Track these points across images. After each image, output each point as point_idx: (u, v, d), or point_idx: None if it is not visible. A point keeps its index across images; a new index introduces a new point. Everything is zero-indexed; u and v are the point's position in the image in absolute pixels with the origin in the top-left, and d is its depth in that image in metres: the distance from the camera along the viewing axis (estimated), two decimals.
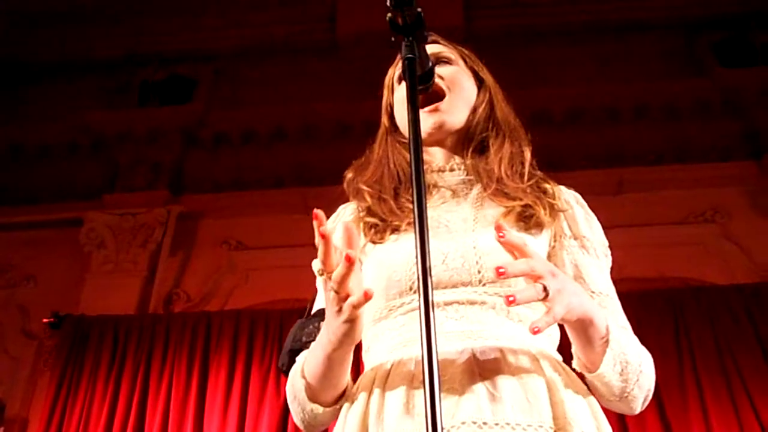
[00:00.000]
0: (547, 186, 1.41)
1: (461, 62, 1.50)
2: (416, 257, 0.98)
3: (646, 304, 3.69)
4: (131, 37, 5.09)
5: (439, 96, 1.41)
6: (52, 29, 5.05)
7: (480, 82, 1.50)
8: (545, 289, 1.09)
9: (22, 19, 5.02)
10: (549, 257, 1.36)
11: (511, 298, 1.05)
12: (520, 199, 1.35)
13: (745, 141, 4.59)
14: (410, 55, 1.17)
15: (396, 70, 1.50)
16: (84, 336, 4.01)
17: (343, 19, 5.04)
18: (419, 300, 0.95)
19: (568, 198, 1.43)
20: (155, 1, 5.01)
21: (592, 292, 1.32)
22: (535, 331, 1.05)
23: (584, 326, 1.19)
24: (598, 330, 1.19)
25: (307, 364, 1.27)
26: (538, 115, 4.55)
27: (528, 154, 1.44)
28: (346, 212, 1.46)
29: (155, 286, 4.35)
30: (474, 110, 1.46)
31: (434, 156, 1.45)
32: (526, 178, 1.39)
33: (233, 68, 5.10)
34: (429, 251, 0.98)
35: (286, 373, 1.34)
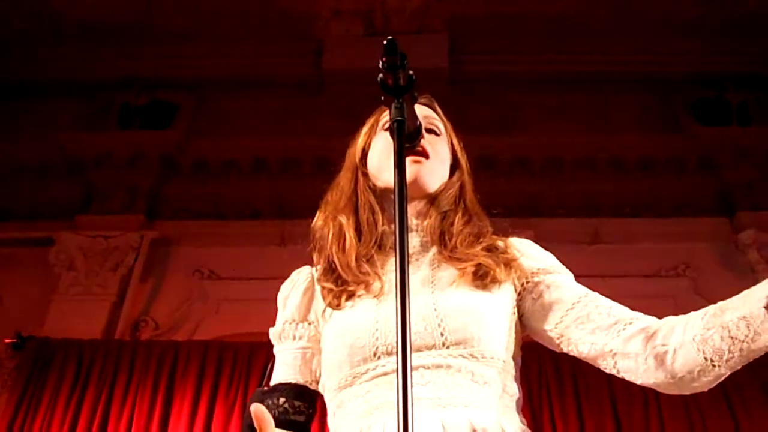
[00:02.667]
0: (499, 243, 1.42)
1: (446, 137, 1.52)
2: (396, 322, 0.96)
3: None
4: (114, 60, 5.08)
5: (422, 153, 1.42)
6: (33, 49, 5.04)
7: (456, 161, 1.52)
8: None
9: (2, 38, 5.00)
10: (519, 307, 1.37)
11: None
12: (472, 260, 1.35)
13: (718, 198, 4.67)
14: (400, 118, 1.16)
15: (383, 116, 1.50)
16: (47, 359, 3.93)
17: (328, 55, 5.09)
18: (397, 371, 0.92)
19: (518, 245, 1.45)
20: (142, 25, 5.01)
21: (577, 299, 1.33)
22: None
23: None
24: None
25: None
26: (517, 161, 4.62)
27: (489, 233, 1.45)
28: (300, 278, 1.46)
29: (123, 312, 4.28)
30: (445, 186, 1.47)
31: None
32: (479, 245, 1.41)
33: (216, 97, 5.10)
34: (409, 314, 0.96)
35: None
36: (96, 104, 5.12)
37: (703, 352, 1.14)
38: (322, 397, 1.35)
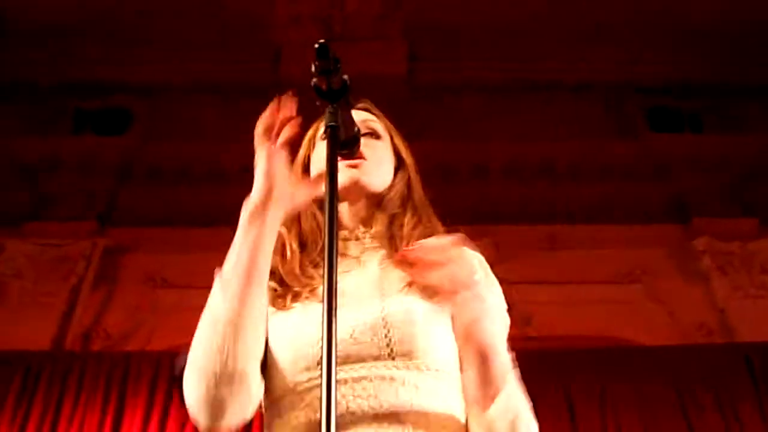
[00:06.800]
0: None
1: (387, 138, 1.49)
2: (322, 336, 0.93)
3: (572, 363, 3.71)
4: (67, 64, 4.97)
5: (359, 158, 1.39)
6: None
7: (401, 162, 1.49)
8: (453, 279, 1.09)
9: None
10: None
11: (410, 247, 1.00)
12: None
13: (672, 205, 4.72)
14: (333, 123, 1.14)
15: (322, 126, 1.45)
16: None
17: (287, 61, 5.00)
18: (321, 389, 0.89)
19: (471, 258, 1.39)
20: (97, 28, 4.90)
21: (486, 345, 1.25)
22: (399, 258, 1.04)
23: (484, 356, 1.17)
24: (501, 366, 1.18)
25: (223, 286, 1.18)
26: (475, 168, 4.63)
27: (440, 236, 1.39)
28: None
29: (73, 322, 4.19)
30: (391, 187, 1.44)
31: (342, 216, 1.41)
32: None
33: (172, 103, 5.02)
34: (336, 328, 0.94)
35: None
36: (48, 109, 4.99)
37: None
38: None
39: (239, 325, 1.14)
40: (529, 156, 4.77)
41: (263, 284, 1.19)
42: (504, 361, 1.19)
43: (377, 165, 1.42)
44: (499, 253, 4.41)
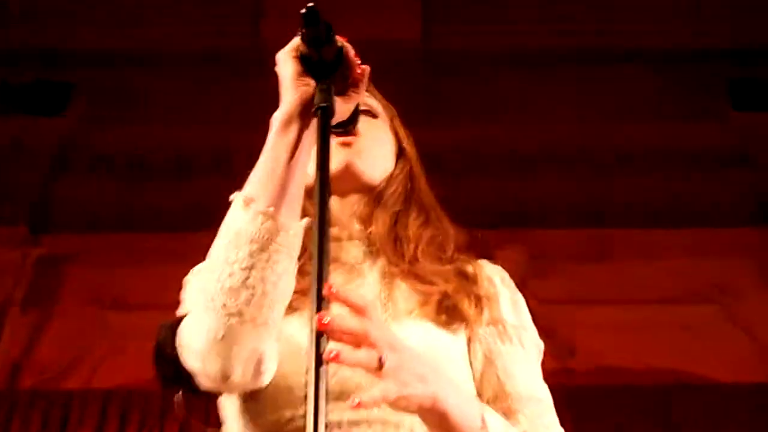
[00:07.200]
0: (468, 267, 1.42)
1: (386, 119, 1.54)
2: (309, 367, 0.95)
3: (628, 404, 3.72)
4: None
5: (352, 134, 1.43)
6: None
7: (401, 150, 1.53)
8: (381, 360, 1.05)
9: None
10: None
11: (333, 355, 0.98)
12: (438, 285, 1.35)
13: (759, 203, 4.70)
14: (324, 104, 1.15)
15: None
16: None
17: (269, 22, 4.97)
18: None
19: (491, 275, 1.44)
20: None
21: (507, 394, 1.31)
22: (355, 406, 1.01)
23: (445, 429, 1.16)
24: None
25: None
26: (504, 156, 4.63)
27: (452, 242, 1.45)
28: None
29: None
30: (390, 178, 1.48)
31: (333, 211, 1.41)
32: (446, 261, 1.41)
33: (123, 75, 5.01)
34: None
35: (165, 358, 1.26)
36: None
37: None
38: None
39: (272, 253, 1.14)
40: (572, 142, 4.75)
41: (298, 209, 1.20)
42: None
43: (376, 145, 1.46)
44: (535, 264, 4.24)
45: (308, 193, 1.26)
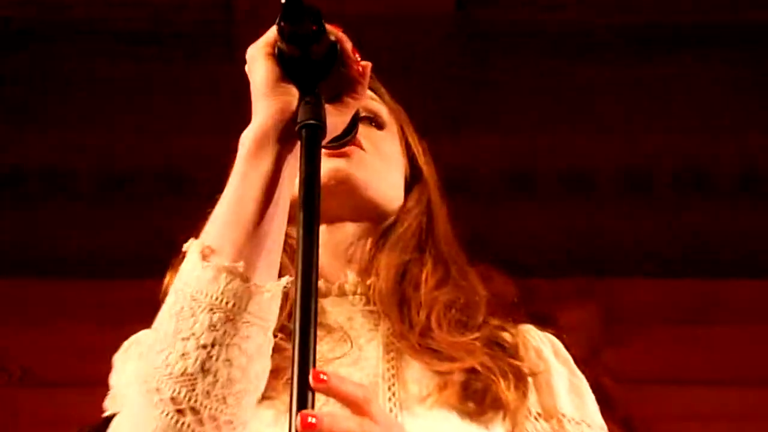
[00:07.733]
0: (505, 334, 1.47)
1: (394, 129, 1.63)
2: None
3: None
4: None
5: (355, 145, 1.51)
6: None
7: (417, 174, 1.62)
8: None
9: None
10: None
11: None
12: (461, 360, 1.39)
13: None
14: (312, 121, 1.18)
15: None
16: None
17: None
18: None
19: (540, 345, 1.51)
20: None
21: None
22: None
23: None
24: None
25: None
26: (567, 176, 4.65)
27: (482, 302, 1.52)
28: None
29: None
30: (400, 213, 1.56)
31: (321, 251, 1.39)
32: (473, 329, 1.46)
33: (42, 56, 5.02)
34: None
35: None
36: None
37: None
38: None
39: (240, 325, 1.16)
40: (661, 156, 4.75)
41: (275, 263, 1.23)
42: None
43: (380, 161, 1.54)
44: (610, 326, 4.46)
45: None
